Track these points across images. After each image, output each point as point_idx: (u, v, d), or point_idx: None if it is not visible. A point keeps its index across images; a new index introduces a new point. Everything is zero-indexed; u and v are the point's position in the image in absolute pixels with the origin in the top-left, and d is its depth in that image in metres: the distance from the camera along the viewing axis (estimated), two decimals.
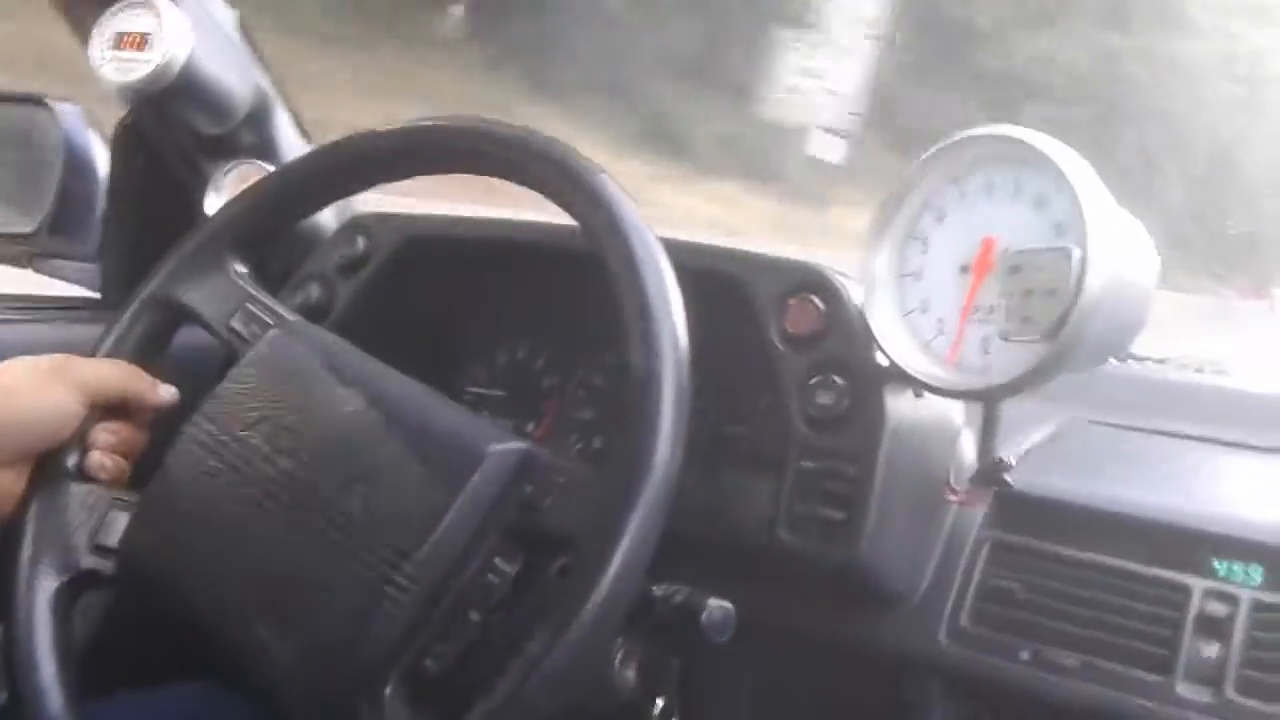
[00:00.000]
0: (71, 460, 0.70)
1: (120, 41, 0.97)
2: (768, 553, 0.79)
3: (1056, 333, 0.66)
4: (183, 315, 0.76)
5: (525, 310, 1.04)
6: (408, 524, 0.60)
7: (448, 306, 1.03)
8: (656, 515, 0.57)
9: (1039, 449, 0.94)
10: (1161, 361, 1.23)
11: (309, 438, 0.65)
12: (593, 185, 0.66)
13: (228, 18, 1.06)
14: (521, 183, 0.69)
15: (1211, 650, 0.76)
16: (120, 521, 0.68)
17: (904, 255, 0.76)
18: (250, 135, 1.08)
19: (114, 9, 0.98)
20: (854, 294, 0.80)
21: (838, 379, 0.78)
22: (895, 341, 0.75)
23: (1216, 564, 0.79)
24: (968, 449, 0.87)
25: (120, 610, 1.00)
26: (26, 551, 0.67)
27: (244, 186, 1.03)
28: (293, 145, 1.11)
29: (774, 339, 0.81)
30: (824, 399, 0.78)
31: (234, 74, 1.04)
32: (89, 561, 0.68)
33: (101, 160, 1.17)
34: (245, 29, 1.08)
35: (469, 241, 1.00)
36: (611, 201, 0.65)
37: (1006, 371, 0.69)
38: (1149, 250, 0.75)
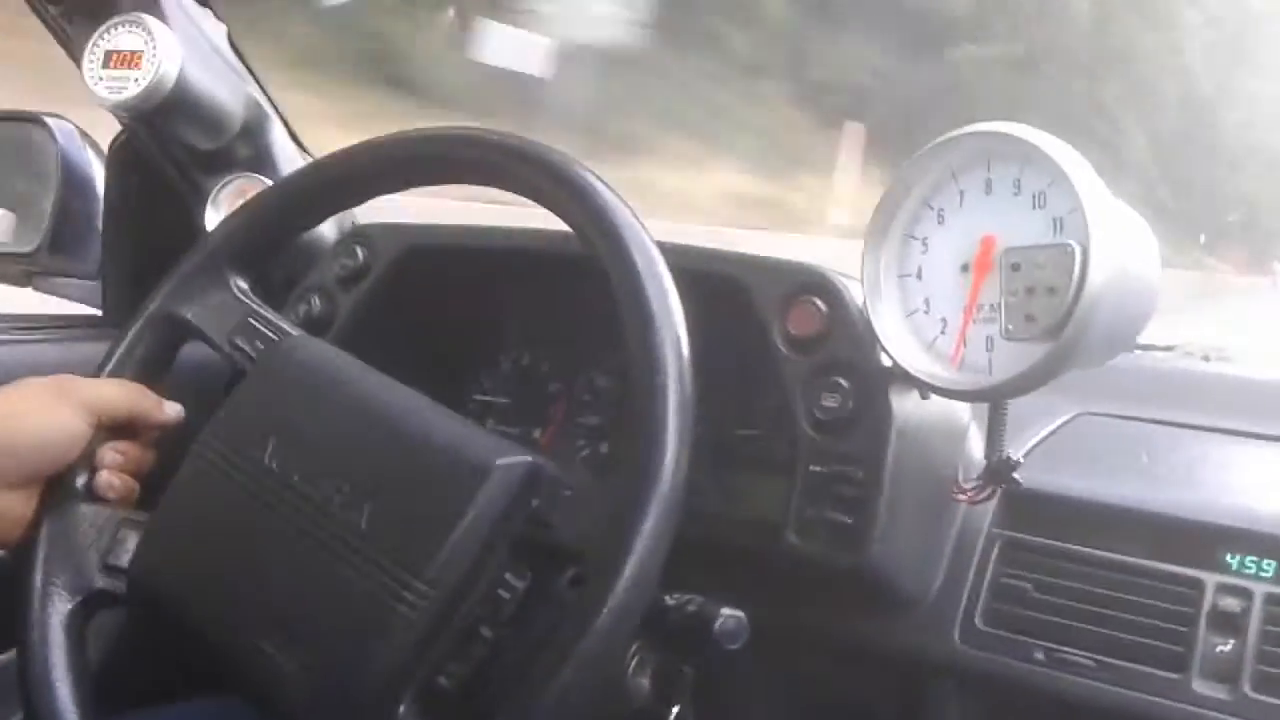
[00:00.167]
0: (80, 481, 0.70)
1: (111, 60, 0.97)
2: (778, 557, 0.79)
3: (1059, 330, 0.66)
4: (186, 332, 0.76)
5: (527, 316, 1.04)
6: (416, 540, 0.60)
7: (449, 314, 1.03)
8: (666, 526, 0.57)
9: (1046, 444, 0.94)
10: (1168, 349, 1.22)
11: (315, 454, 0.65)
12: (588, 192, 0.65)
13: (218, 33, 1.06)
14: (517, 191, 0.69)
15: (1226, 646, 0.75)
16: (130, 541, 0.68)
17: (904, 255, 0.75)
18: (246, 149, 1.08)
19: (104, 28, 0.98)
20: (855, 295, 0.80)
21: (842, 381, 0.78)
22: (899, 342, 0.74)
23: (1229, 558, 0.79)
24: (975, 447, 0.86)
25: (131, 629, 1.00)
26: (39, 573, 0.67)
27: (241, 200, 1.04)
28: (289, 157, 1.11)
29: (777, 342, 0.81)
30: (829, 401, 0.78)
31: (226, 89, 1.04)
32: (101, 582, 0.68)
33: (99, 177, 1.18)
34: (235, 43, 1.08)
35: (469, 250, 1.00)
36: (607, 208, 0.65)
37: (1011, 370, 0.69)
38: (1151, 243, 0.74)
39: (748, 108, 12.62)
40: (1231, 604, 0.77)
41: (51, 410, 0.69)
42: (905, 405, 0.78)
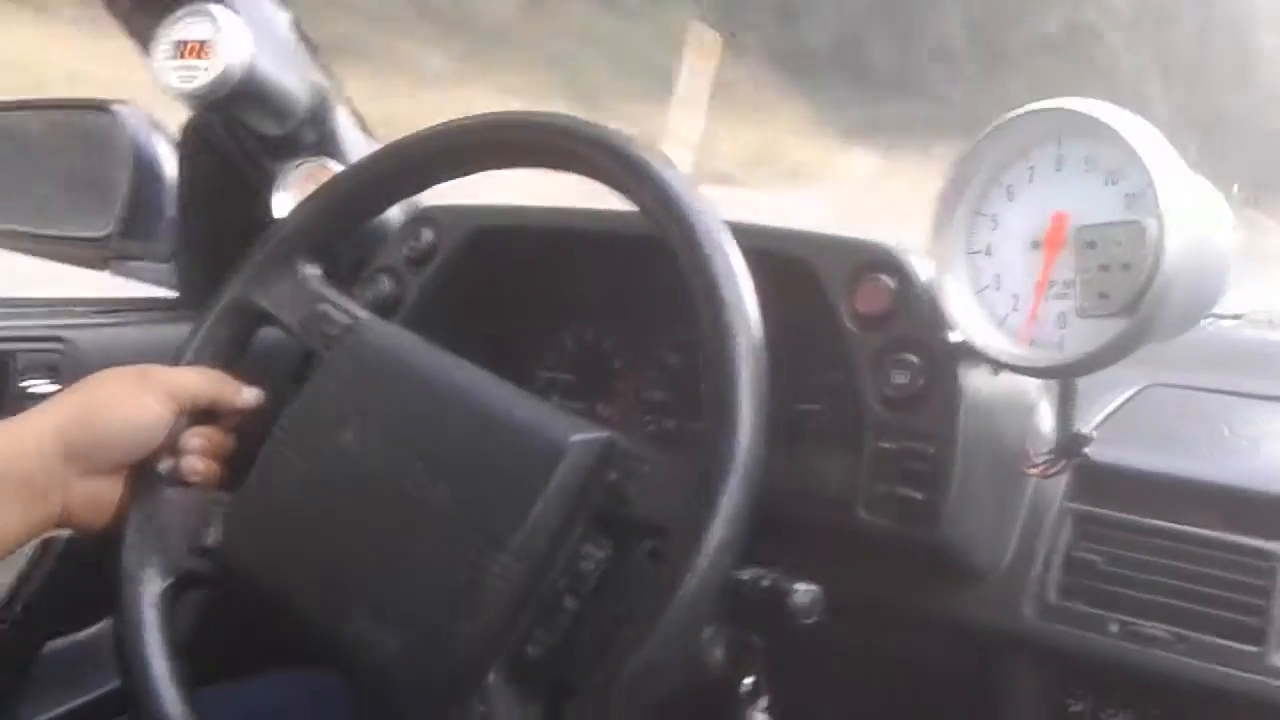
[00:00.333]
0: (165, 466, 0.73)
1: (181, 50, 0.99)
2: (848, 531, 0.79)
3: (1135, 307, 0.66)
4: (261, 319, 0.78)
5: (593, 293, 1.05)
6: (499, 515, 0.62)
7: (515, 293, 1.04)
8: (747, 501, 0.58)
9: (1115, 416, 0.93)
10: (1235, 318, 1.20)
11: (394, 435, 0.67)
12: (653, 172, 0.66)
13: (283, 19, 1.07)
14: (583, 173, 0.70)
15: None
16: (216, 523, 0.71)
17: (973, 231, 0.75)
18: (312, 133, 1.10)
19: (173, 18, 1.00)
20: (923, 271, 0.80)
21: (911, 357, 0.78)
22: (969, 319, 0.74)
23: None
24: (1044, 421, 0.86)
25: (210, 606, 1.04)
26: (130, 557, 0.70)
27: (310, 183, 1.06)
28: (354, 141, 1.12)
29: (845, 319, 0.81)
30: (899, 378, 0.78)
31: (293, 75, 1.05)
32: (189, 563, 0.71)
33: (169, 162, 1.20)
34: (299, 28, 1.09)
35: (535, 230, 1.01)
36: (672, 188, 0.66)
37: (1084, 347, 0.68)
38: (1225, 214, 0.73)
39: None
40: None
41: (137, 399, 0.71)
42: (975, 381, 0.78)
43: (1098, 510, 0.84)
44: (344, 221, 0.81)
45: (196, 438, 0.74)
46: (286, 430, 0.71)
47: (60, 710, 1.06)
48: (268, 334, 0.79)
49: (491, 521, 0.62)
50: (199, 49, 0.98)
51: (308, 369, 0.76)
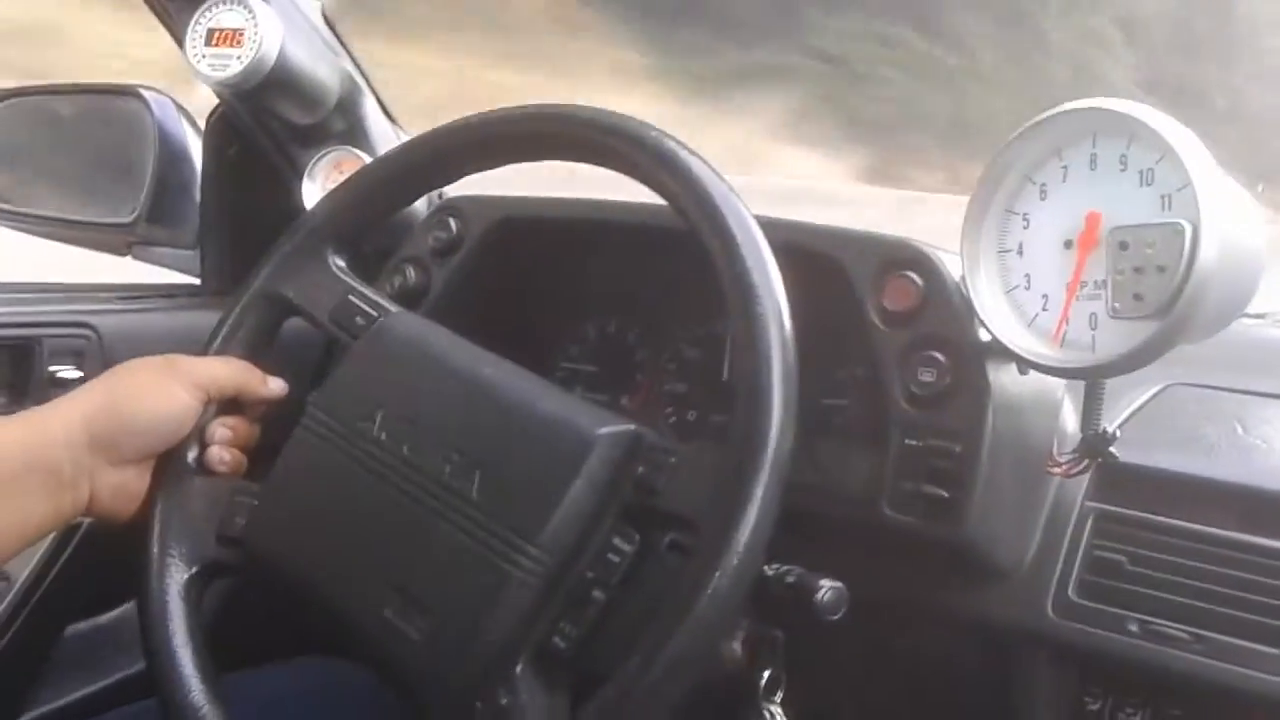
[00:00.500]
0: (192, 455, 0.73)
1: (213, 38, 0.99)
2: (871, 528, 0.80)
3: (1168, 309, 0.66)
4: (288, 310, 0.78)
5: (615, 286, 1.05)
6: (527, 507, 0.62)
7: (540, 284, 1.05)
8: (776, 493, 0.58)
9: (1138, 416, 0.94)
10: (1258, 317, 1.20)
11: (423, 425, 0.67)
12: (683, 166, 0.67)
13: (314, 8, 1.08)
14: (612, 166, 0.70)
15: None
16: (242, 512, 0.71)
17: (1004, 230, 0.75)
18: (340, 122, 1.10)
19: (206, 6, 1.00)
20: (951, 269, 0.80)
21: (938, 355, 0.78)
22: (999, 319, 0.74)
23: None
24: (1068, 420, 0.87)
25: (233, 593, 1.05)
26: (156, 546, 0.70)
27: (337, 172, 1.06)
28: (382, 131, 1.13)
29: (872, 316, 0.81)
30: (925, 376, 0.78)
31: (323, 65, 1.06)
32: (215, 552, 0.71)
33: (196, 149, 1.21)
34: (329, 19, 1.09)
35: (560, 221, 1.01)
36: (703, 182, 0.66)
37: (1115, 349, 0.69)
38: (1256, 216, 0.74)
39: None
40: None
41: (164, 388, 0.72)
42: (1002, 380, 0.78)
43: (1119, 510, 0.84)
44: (373, 213, 0.81)
45: (222, 428, 0.74)
46: (315, 419, 0.71)
47: (81, 693, 1.07)
48: (290, 325, 0.79)
49: (521, 513, 0.62)
50: (231, 37, 0.99)
51: (330, 360, 0.76)
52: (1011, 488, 0.80)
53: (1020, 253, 0.75)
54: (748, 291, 0.62)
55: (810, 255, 0.83)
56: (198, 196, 1.21)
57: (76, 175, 1.29)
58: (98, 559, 1.04)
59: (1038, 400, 0.83)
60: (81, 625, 1.09)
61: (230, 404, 0.75)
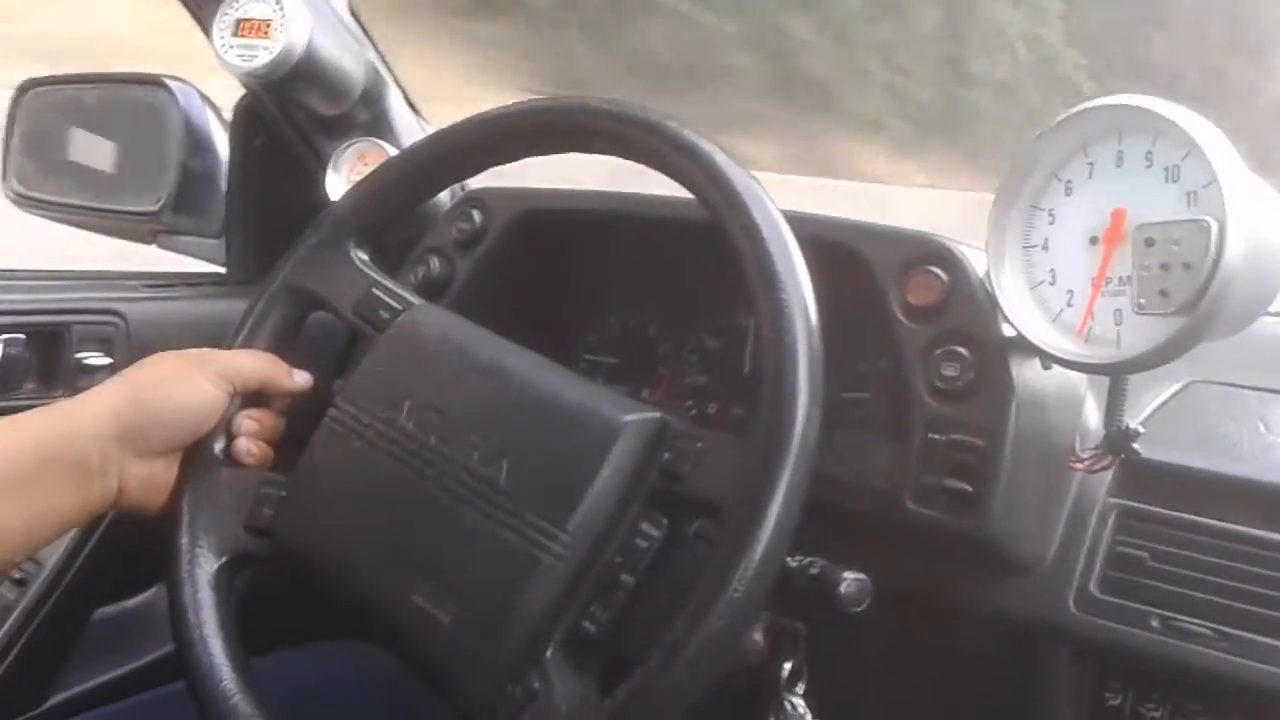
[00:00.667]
0: (218, 447, 0.74)
1: (241, 29, 1.00)
2: (895, 521, 0.80)
3: (1194, 306, 0.66)
4: (312, 303, 0.79)
5: (637, 278, 1.05)
6: (555, 494, 0.63)
7: (562, 276, 1.05)
8: (801, 484, 0.58)
9: (1161, 413, 0.93)
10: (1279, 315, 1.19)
11: (451, 415, 0.68)
12: (708, 159, 0.67)
13: (340, 0, 1.08)
14: (636, 159, 0.71)
15: None
16: (269, 503, 0.72)
17: (1029, 226, 0.75)
18: (365, 113, 1.11)
19: None
20: (975, 265, 0.80)
21: (962, 350, 0.78)
22: (1024, 314, 0.74)
23: None
24: (1091, 416, 0.87)
25: (258, 581, 1.06)
26: (185, 537, 0.71)
27: (361, 163, 1.07)
28: (406, 123, 1.13)
29: (895, 310, 0.81)
30: (949, 370, 0.78)
31: (349, 56, 1.06)
32: (244, 543, 0.72)
33: (220, 139, 1.21)
34: (355, 10, 1.10)
35: (581, 214, 1.02)
36: (728, 174, 0.66)
37: (1140, 345, 0.69)
38: None
39: None
40: None
41: (191, 381, 0.73)
42: (1025, 375, 0.78)
43: (1141, 506, 0.84)
44: (397, 205, 0.81)
45: (248, 420, 0.75)
46: (342, 411, 0.72)
47: (110, 675, 1.09)
48: (313, 317, 0.80)
49: (549, 501, 0.63)
50: (259, 28, 0.99)
51: (353, 352, 0.77)
52: (1034, 483, 0.81)
53: (1045, 248, 0.75)
54: (773, 281, 0.62)
55: (834, 249, 0.83)
56: (223, 186, 1.21)
57: (102, 164, 1.30)
58: (125, 545, 1.05)
59: (1061, 396, 0.83)
60: (110, 609, 1.11)
61: (256, 397, 0.76)
